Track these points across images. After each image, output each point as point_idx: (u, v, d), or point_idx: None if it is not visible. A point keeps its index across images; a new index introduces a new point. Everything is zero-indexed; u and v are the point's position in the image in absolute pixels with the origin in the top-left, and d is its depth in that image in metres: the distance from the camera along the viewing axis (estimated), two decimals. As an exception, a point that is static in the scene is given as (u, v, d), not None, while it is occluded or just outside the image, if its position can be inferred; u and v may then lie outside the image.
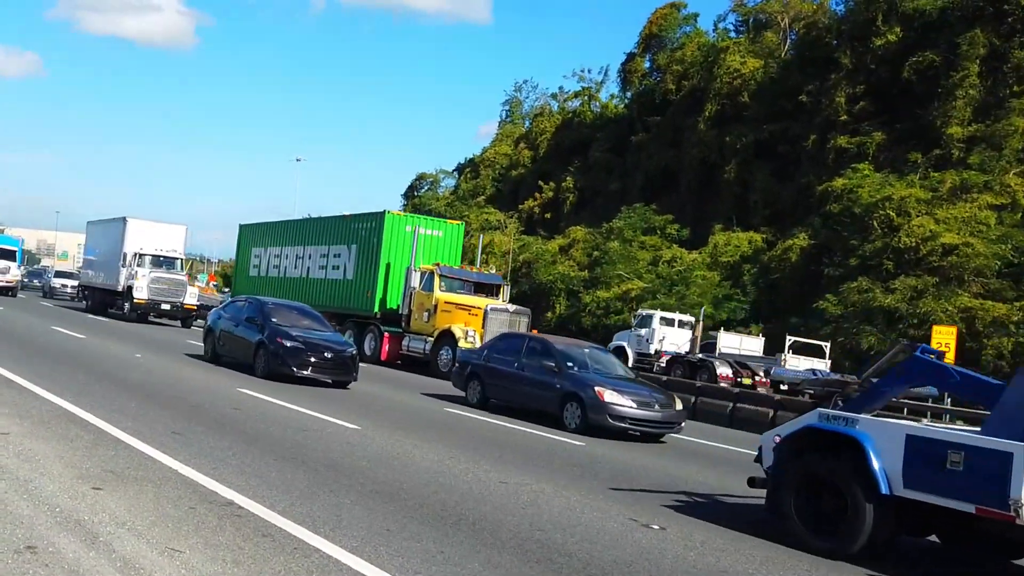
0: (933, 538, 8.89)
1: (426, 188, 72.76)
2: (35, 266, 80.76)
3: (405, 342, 25.73)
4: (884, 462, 7.81)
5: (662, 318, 33.38)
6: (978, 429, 8.31)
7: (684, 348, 31.47)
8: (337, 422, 12.75)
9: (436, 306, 24.75)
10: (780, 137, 42.62)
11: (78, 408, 11.23)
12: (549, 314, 44.32)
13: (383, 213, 28.02)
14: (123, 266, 34.65)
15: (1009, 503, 6.99)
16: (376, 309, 27.27)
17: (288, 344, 17.45)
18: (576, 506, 9.03)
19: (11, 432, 9.27)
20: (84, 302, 41.02)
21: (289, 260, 33.24)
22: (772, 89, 44.72)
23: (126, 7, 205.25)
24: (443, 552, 6.72)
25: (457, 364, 18.69)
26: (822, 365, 28.98)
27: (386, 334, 26.36)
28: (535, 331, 24.48)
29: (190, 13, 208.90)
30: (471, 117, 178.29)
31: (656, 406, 15.11)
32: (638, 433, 14.98)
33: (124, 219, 36.52)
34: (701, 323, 32.39)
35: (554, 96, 67.22)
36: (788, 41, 48.04)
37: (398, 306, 26.55)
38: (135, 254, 34.53)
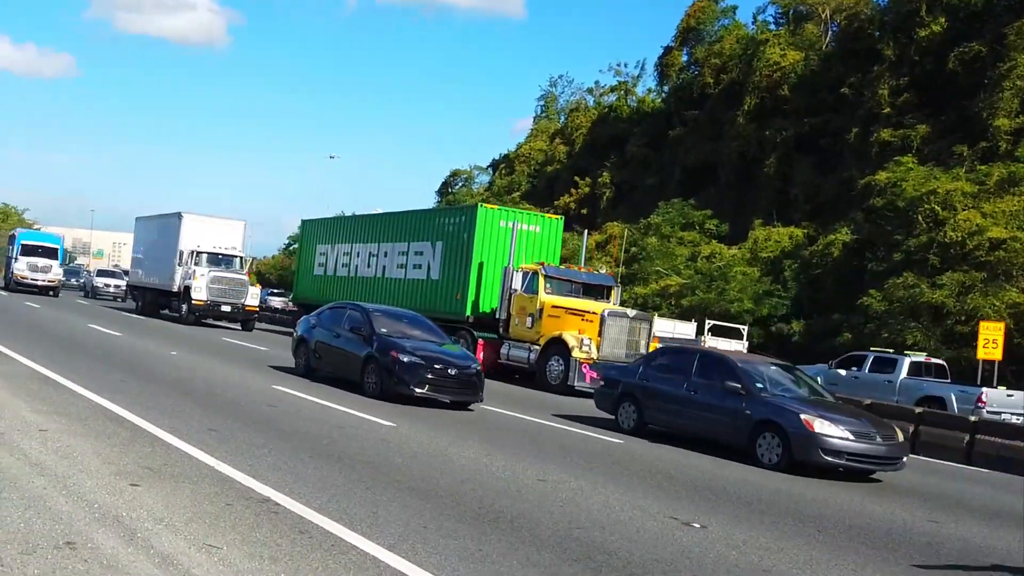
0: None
1: (460, 185, 72.89)
2: (70, 264, 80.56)
3: (504, 350, 22.97)
4: None
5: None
6: None
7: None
8: (373, 419, 12.72)
9: (541, 310, 22.23)
10: (821, 130, 42.07)
11: (115, 405, 11.32)
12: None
13: (475, 207, 26.02)
14: (179, 265, 32.66)
15: None
16: (468, 312, 24.65)
17: (405, 359, 15.02)
18: (615, 504, 8.90)
19: (49, 429, 9.36)
20: (134, 303, 39.43)
21: (361, 258, 30.80)
22: (813, 82, 44.15)
23: (160, 6, 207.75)
24: (481, 549, 6.64)
25: (602, 382, 15.85)
26: (740, 347, 29.31)
27: (480, 341, 23.61)
28: (656, 340, 22.40)
29: (222, 12, 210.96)
30: (505, 113, 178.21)
31: (877, 438, 12.41)
32: (856, 469, 12.33)
33: (179, 214, 34.49)
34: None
35: (590, 91, 67.06)
36: (829, 33, 47.37)
37: (492, 310, 24.19)
38: (192, 252, 32.54)
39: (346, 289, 30.24)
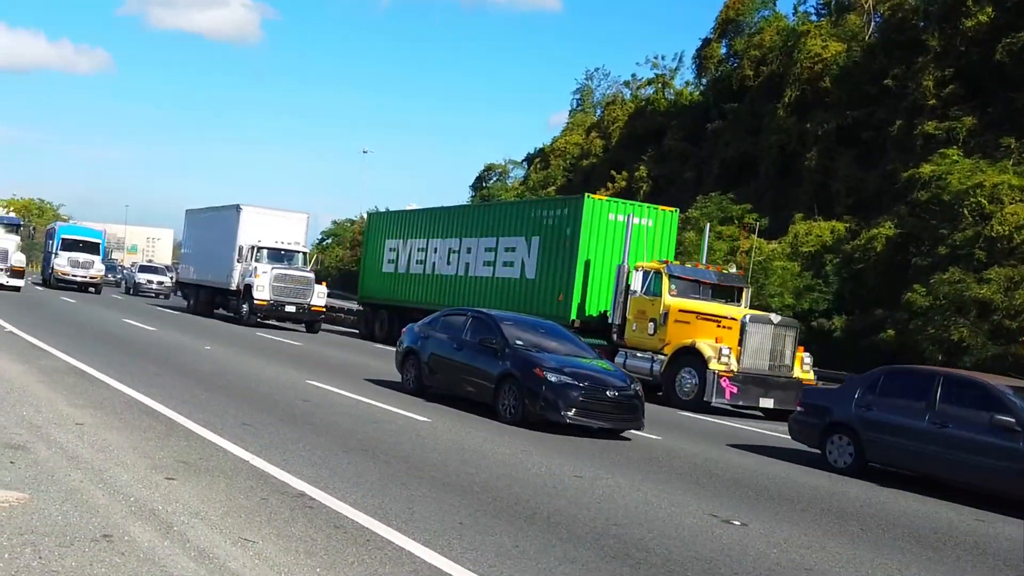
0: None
1: (495, 179, 72.78)
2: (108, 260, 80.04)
3: (620, 359, 19.77)
4: None
5: None
6: None
7: None
8: (407, 414, 12.71)
9: (666, 315, 19.59)
10: (864, 123, 41.41)
11: (150, 399, 11.41)
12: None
13: (581, 198, 23.34)
14: (238, 261, 30.48)
15: None
16: (573, 316, 22.26)
17: (553, 378, 12.62)
18: (653, 501, 8.79)
19: (86, 423, 9.45)
20: (185, 301, 37.64)
21: (440, 255, 28.41)
22: (855, 73, 43.47)
23: (193, 2, 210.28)
24: (518, 546, 6.58)
25: (801, 408, 13.27)
26: None
27: None
28: (802, 349, 19.65)
29: (256, 7, 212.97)
30: (540, 107, 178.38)
31: None
32: None
33: (237, 207, 32.19)
34: None
35: (627, 84, 66.53)
36: (872, 24, 46.63)
37: (601, 313, 22.03)
38: (252, 247, 30.23)
39: (421, 288, 28.74)
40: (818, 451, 12.55)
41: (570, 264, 22.71)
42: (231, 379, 15.09)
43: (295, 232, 32.30)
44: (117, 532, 5.82)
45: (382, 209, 52.60)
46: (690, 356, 18.74)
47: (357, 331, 33.19)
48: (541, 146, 70.17)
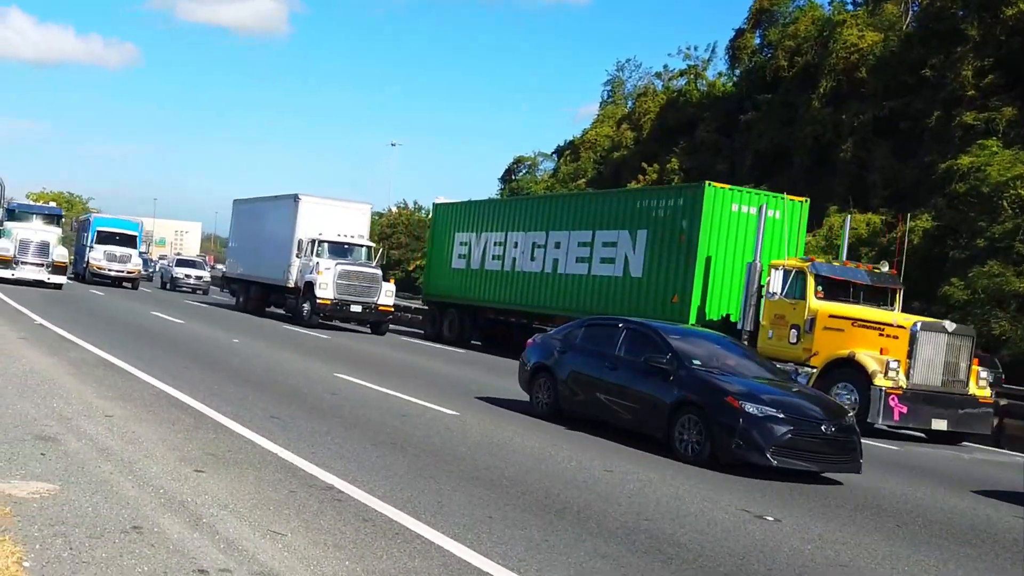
0: None
1: (524, 171, 72.67)
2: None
3: None
4: None
5: None
6: None
7: None
8: (436, 408, 12.68)
9: (813, 321, 17.06)
10: (901, 114, 40.84)
11: (178, 392, 11.47)
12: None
13: (701, 186, 20.86)
14: (298, 256, 28.21)
15: None
16: (692, 320, 19.78)
17: (752, 410, 10.19)
18: (685, 496, 8.69)
19: (115, 415, 9.52)
20: (234, 298, 35.41)
21: (522, 249, 25.85)
22: (892, 64, 42.87)
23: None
24: (547, 540, 6.52)
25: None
26: None
27: None
28: (976, 361, 17.14)
29: (284, 0, 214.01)
30: (570, 99, 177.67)
31: None
32: None
33: (295, 196, 29.85)
34: None
35: (658, 75, 66.14)
36: (910, 13, 45.96)
37: (721, 318, 19.88)
38: (312, 241, 27.97)
39: (499, 286, 26.55)
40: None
41: (687, 261, 20.35)
42: (258, 372, 15.16)
43: (358, 224, 30.01)
44: (147, 524, 5.85)
45: (411, 202, 52.50)
46: (848, 369, 16.22)
47: (422, 331, 31.06)
48: (571, 138, 69.99)
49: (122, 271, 39.97)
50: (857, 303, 17.57)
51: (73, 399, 10.18)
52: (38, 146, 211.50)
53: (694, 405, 10.73)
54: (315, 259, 27.44)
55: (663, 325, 13.06)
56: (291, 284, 28.75)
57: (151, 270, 55.10)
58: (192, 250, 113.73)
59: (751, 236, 19.60)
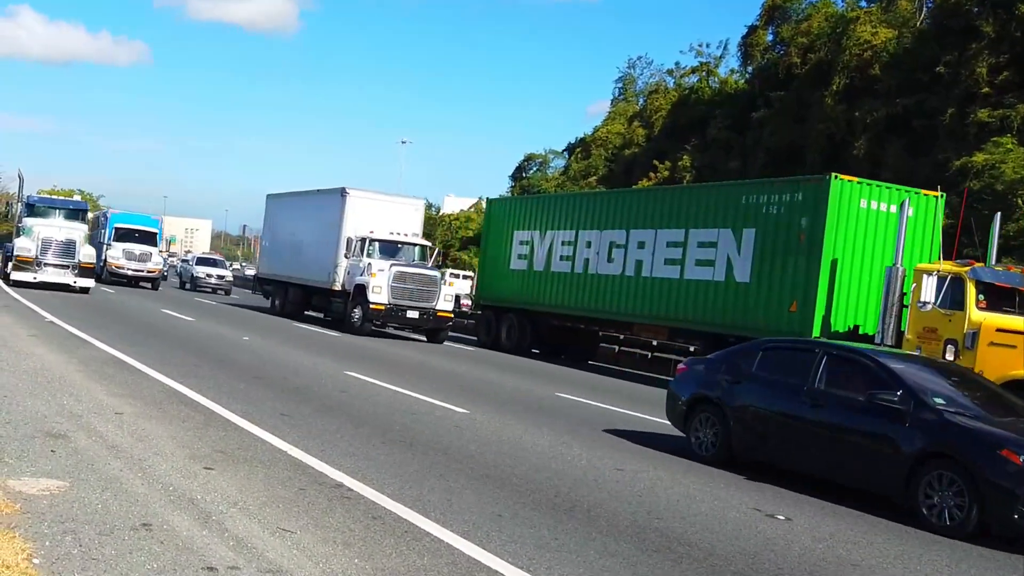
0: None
1: (535, 169, 72.56)
2: None
3: None
4: None
5: None
6: None
7: None
8: (446, 406, 12.66)
9: (975, 335, 14.76)
10: (915, 111, 40.61)
11: (188, 389, 11.49)
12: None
13: (825, 179, 18.33)
14: (347, 256, 25.93)
15: None
16: (816, 332, 17.55)
17: None
18: (695, 494, 8.65)
19: (125, 412, 9.54)
20: (269, 301, 32.61)
21: (596, 249, 23.50)
22: (906, 61, 42.64)
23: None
24: (557, 539, 6.50)
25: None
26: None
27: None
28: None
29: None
30: (581, 96, 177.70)
31: None
32: None
33: (343, 191, 27.43)
34: None
35: (670, 72, 65.92)
36: (924, 9, 45.70)
37: (850, 329, 17.72)
38: (362, 240, 25.56)
39: (568, 289, 24.35)
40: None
41: (808, 264, 18.04)
42: (269, 369, 15.15)
43: (411, 221, 27.58)
44: (156, 521, 5.85)
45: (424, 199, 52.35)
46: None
47: (475, 338, 28.59)
48: (582, 136, 69.85)
49: (142, 270, 37.74)
50: (1020, 314, 15.16)
51: (83, 396, 10.21)
52: (47, 143, 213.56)
53: (948, 459, 8.37)
54: (366, 259, 25.15)
55: (875, 351, 10.58)
56: (337, 287, 26.57)
57: (166, 268, 51.40)
58: (203, 247, 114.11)
59: (882, 236, 17.86)
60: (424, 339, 26.10)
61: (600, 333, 26.33)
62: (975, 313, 14.97)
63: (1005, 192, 31.93)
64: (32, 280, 27.68)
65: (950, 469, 8.33)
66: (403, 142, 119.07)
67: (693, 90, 60.63)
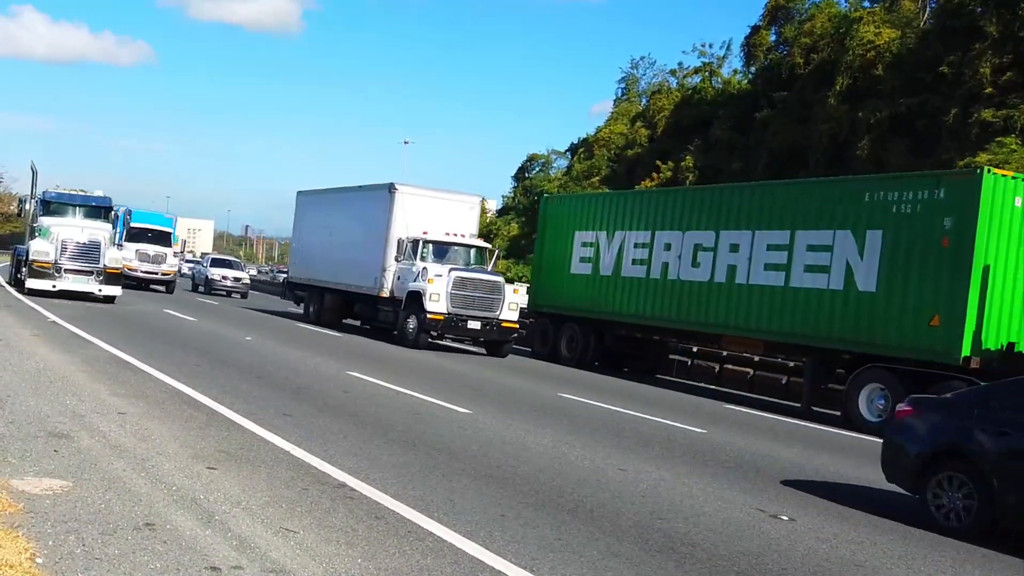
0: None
1: (537, 169, 72.53)
2: None
3: None
4: None
5: None
6: None
7: None
8: (448, 406, 12.65)
9: None
10: (918, 111, 40.59)
11: (191, 389, 11.49)
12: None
13: (976, 174, 16.09)
14: (400, 259, 23.52)
15: None
16: (966, 352, 15.37)
17: None
18: (699, 495, 8.64)
19: (128, 412, 9.54)
20: (302, 307, 30.07)
21: (679, 251, 21.11)
22: (910, 61, 42.62)
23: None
24: (560, 539, 6.49)
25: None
26: None
27: None
28: None
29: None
30: (583, 97, 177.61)
31: None
32: None
33: (391, 186, 24.86)
34: None
35: (673, 72, 65.86)
36: (927, 10, 45.66)
37: (1003, 347, 15.71)
38: (415, 241, 23.26)
39: (643, 297, 22.04)
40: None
41: (953, 272, 15.76)
42: (271, 369, 15.13)
43: (466, 222, 25.11)
44: (159, 521, 5.84)
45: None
46: None
47: (528, 349, 26.19)
48: (585, 136, 69.84)
49: (155, 272, 35.07)
50: None
51: (86, 396, 10.21)
52: (49, 143, 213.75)
53: None
54: (419, 263, 22.88)
55: None
56: (384, 293, 24.20)
57: (198, 271, 48.28)
58: (206, 248, 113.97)
59: None
60: (484, 352, 23.98)
61: (679, 345, 24.17)
62: None
63: (1009, 192, 31.88)
64: (51, 288, 24.63)
65: None
66: (405, 142, 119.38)
67: (696, 90, 60.61)
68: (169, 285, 35.82)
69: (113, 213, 28.83)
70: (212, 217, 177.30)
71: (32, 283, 24.70)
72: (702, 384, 23.08)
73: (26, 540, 5.09)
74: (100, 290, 25.14)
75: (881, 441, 9.54)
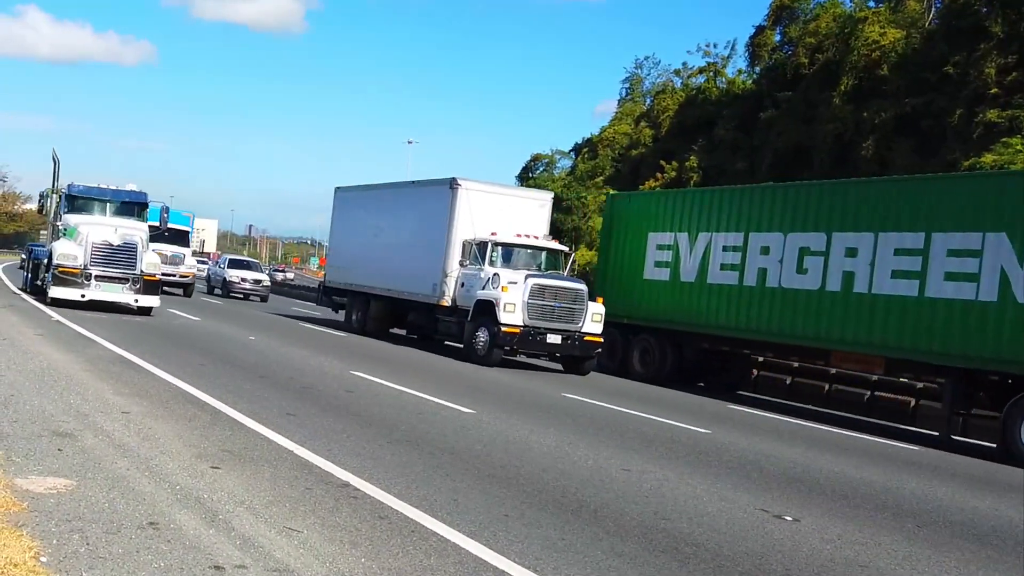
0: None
1: (541, 169, 72.50)
2: None
3: None
4: None
5: None
6: None
7: None
8: (452, 406, 12.65)
9: None
10: (923, 112, 40.53)
11: (195, 389, 11.49)
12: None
13: None
14: (465, 264, 21.16)
15: None
16: None
17: None
18: (703, 495, 8.63)
19: (132, 411, 9.55)
20: (345, 314, 27.29)
21: (779, 255, 18.89)
22: (915, 61, 42.55)
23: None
24: (564, 539, 6.48)
25: None
26: None
27: None
28: None
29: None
30: (587, 97, 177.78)
31: None
32: None
33: (453, 181, 22.26)
34: None
35: (677, 72, 65.81)
36: (933, 10, 45.60)
37: None
38: (483, 244, 20.85)
39: (736, 306, 19.78)
40: None
41: None
42: (275, 368, 15.15)
43: (538, 221, 22.55)
44: (163, 520, 5.85)
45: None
46: None
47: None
48: (589, 136, 69.82)
49: (173, 275, 31.54)
50: None
51: (90, 395, 10.22)
52: (53, 143, 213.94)
53: None
54: (488, 269, 20.43)
55: None
56: (446, 302, 21.79)
57: (215, 273, 44.56)
58: (210, 247, 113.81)
59: None
60: (561, 369, 21.22)
61: (773, 360, 21.89)
62: None
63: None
64: (80, 298, 21.63)
65: None
66: (409, 142, 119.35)
67: (700, 90, 60.56)
68: (187, 288, 33.36)
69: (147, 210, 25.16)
70: (216, 217, 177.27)
71: (57, 291, 21.63)
72: (797, 403, 20.26)
73: (30, 539, 5.10)
74: (136, 300, 22.17)
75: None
